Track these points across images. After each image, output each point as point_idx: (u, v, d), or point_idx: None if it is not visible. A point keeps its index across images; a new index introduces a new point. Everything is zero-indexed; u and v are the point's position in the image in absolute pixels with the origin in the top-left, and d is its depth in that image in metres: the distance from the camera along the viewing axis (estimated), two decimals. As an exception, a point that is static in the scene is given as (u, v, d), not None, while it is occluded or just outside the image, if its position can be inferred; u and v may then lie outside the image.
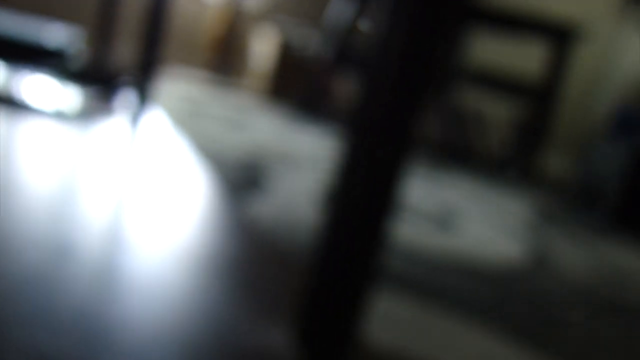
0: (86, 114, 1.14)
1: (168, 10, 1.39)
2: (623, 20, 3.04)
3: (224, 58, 3.78)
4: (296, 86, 3.46)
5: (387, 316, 0.88)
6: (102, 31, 1.70)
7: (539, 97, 2.93)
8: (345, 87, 3.26)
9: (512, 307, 1.08)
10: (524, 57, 3.32)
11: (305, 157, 2.08)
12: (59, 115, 1.09)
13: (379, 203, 0.57)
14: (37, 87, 1.22)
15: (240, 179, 1.51)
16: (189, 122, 2.19)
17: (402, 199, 1.77)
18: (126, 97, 1.34)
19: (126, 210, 0.76)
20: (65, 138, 0.99)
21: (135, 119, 1.22)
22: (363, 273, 0.56)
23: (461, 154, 2.97)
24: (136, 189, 0.85)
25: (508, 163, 2.97)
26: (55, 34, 1.72)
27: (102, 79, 1.32)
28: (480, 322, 0.96)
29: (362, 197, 0.56)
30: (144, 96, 1.34)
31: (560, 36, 2.90)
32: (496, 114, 3.29)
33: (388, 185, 0.57)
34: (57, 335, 0.45)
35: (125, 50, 1.60)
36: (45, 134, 0.99)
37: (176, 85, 3.19)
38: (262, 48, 3.67)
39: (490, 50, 3.55)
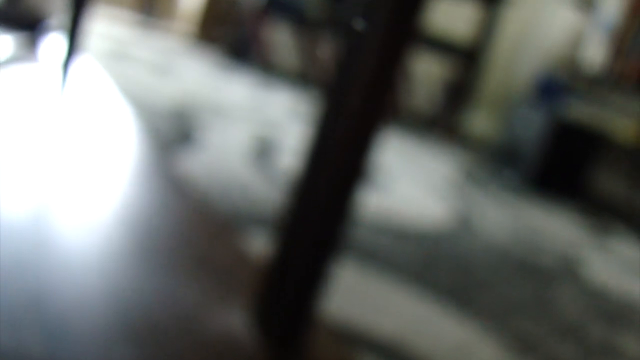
0: (10, 60, 1.06)
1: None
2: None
3: (150, -2, 3.61)
4: (225, 31, 3.36)
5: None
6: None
7: (467, 57, 2.99)
8: (275, 34, 3.20)
9: (439, 268, 1.12)
10: (453, 17, 3.36)
11: (235, 107, 2.04)
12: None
13: (346, 177, 0.56)
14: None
15: (170, 130, 1.46)
16: (114, 66, 2.09)
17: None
18: (52, 41, 1.25)
19: (54, 170, 0.72)
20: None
21: (62, 64, 1.14)
22: (325, 250, 0.56)
23: (389, 111, 3.00)
24: (65, 143, 0.80)
25: (435, 121, 3.04)
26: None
27: (25, 21, 1.23)
28: (411, 284, 0.99)
29: (331, 173, 0.56)
30: (72, 40, 1.26)
31: (491, -1, 2.95)
32: (425, 71, 3.34)
33: (354, 159, 0.56)
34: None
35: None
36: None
37: (102, 26, 3.02)
38: (192, -11, 3.52)
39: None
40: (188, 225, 0.71)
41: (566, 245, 1.64)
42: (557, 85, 2.61)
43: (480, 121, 3.31)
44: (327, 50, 3.03)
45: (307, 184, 0.56)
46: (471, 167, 2.41)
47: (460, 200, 1.77)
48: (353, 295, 0.87)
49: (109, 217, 0.64)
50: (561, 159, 2.36)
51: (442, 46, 3.06)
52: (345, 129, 0.55)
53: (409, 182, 1.78)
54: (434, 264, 1.14)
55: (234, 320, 0.54)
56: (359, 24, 0.55)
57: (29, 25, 1.24)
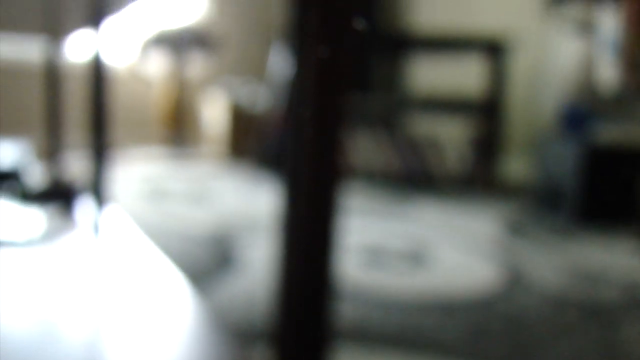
0: (48, 234, 1.15)
1: (109, 101, 1.43)
2: (549, 23, 3.18)
3: (176, 130, 3.82)
4: (252, 144, 3.51)
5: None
6: (51, 139, 1.72)
7: (485, 110, 3.02)
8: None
9: (491, 337, 1.11)
10: (463, 76, 3.43)
11: (273, 219, 2.11)
12: (21, 242, 1.10)
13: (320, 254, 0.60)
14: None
15: (209, 257, 1.53)
16: (151, 205, 2.21)
17: (373, 242, 1.81)
18: (84, 205, 1.36)
19: (102, 333, 0.77)
20: (29, 265, 1.00)
21: (96, 225, 1.24)
22: (317, 330, 0.59)
23: (423, 181, 3.03)
24: (108, 306, 0.86)
25: (470, 179, 3.04)
26: (6, 154, 1.74)
27: (59, 192, 1.35)
28: (461, 362, 0.99)
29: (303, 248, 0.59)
30: (100, 199, 1.36)
31: (492, 50, 3.01)
32: (449, 134, 3.38)
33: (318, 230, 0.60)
34: None
35: (76, 152, 1.63)
36: (9, 265, 1.00)
37: (134, 167, 3.20)
38: (213, 112, 3.72)
39: (431, 76, 3.66)
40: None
41: (630, 276, 1.59)
42: (580, 113, 2.60)
43: (515, 167, 3.29)
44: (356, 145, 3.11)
45: (283, 263, 0.60)
46: (513, 218, 2.38)
47: (507, 256, 1.75)
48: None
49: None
50: (604, 186, 2.31)
51: (459, 106, 3.12)
52: (303, 202, 0.59)
53: (452, 250, 1.78)
54: (485, 333, 1.13)
55: None
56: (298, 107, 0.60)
57: (64, 196, 1.35)
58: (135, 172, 3.03)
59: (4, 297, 0.87)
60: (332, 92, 0.60)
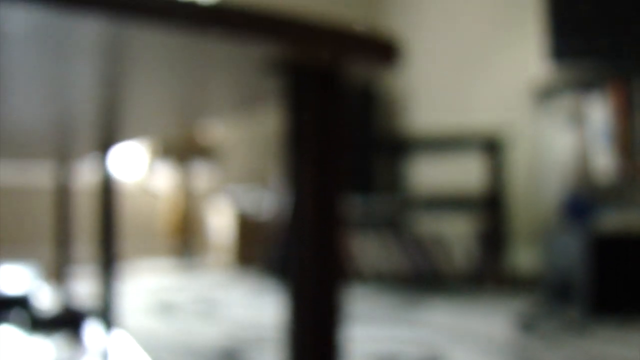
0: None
1: (117, 218, 1.47)
2: (542, 116, 3.28)
3: (183, 240, 3.85)
4: (259, 251, 3.53)
5: None
6: (60, 260, 1.75)
7: (488, 205, 3.05)
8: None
9: None
10: (463, 173, 3.50)
11: (280, 329, 2.09)
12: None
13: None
14: (1, 346, 1.24)
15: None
16: (159, 320, 2.19)
17: (385, 351, 1.78)
18: (93, 330, 1.36)
19: None
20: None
21: (105, 353, 1.23)
22: None
23: (431, 280, 3.02)
24: None
25: (478, 276, 3.03)
26: (13, 279, 1.76)
27: (67, 319, 1.36)
28: None
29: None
30: (109, 322, 1.37)
31: (489, 146, 3.09)
32: (453, 232, 3.40)
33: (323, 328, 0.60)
34: None
35: (85, 268, 1.65)
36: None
37: (142, 280, 3.20)
38: (219, 221, 3.77)
39: (432, 174, 3.73)
40: None
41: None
42: (581, 202, 2.63)
43: (522, 259, 3.28)
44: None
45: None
46: (524, 314, 2.35)
47: (521, 356, 1.72)
48: None
49: None
50: (613, 275, 2.30)
51: (462, 202, 3.16)
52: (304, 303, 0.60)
53: (466, 354, 1.75)
54: None
55: None
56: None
57: (73, 322, 1.36)
58: (143, 285, 3.03)
59: None
60: (329, 191, 0.63)
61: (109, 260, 1.47)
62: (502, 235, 3.06)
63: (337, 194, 0.64)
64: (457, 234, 3.23)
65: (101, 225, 1.45)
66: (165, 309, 2.45)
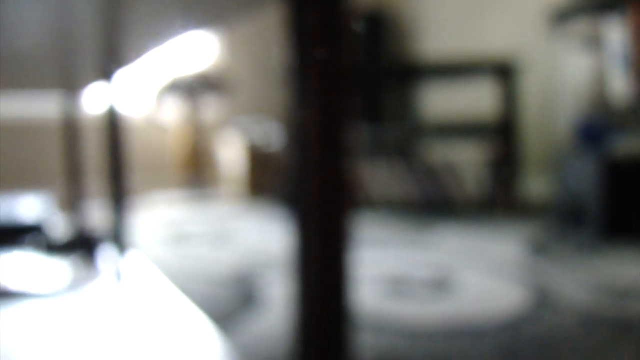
0: (72, 285, 1.17)
1: (125, 150, 1.46)
2: (557, 40, 3.19)
3: (194, 173, 3.86)
4: (270, 182, 3.53)
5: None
6: (72, 190, 1.76)
7: (500, 132, 3.01)
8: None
9: (519, 359, 1.10)
10: (475, 99, 3.44)
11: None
12: (46, 294, 1.12)
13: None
14: (18, 267, 1.26)
15: (233, 297, 1.53)
16: (174, 249, 2.22)
17: (395, 272, 1.80)
18: (106, 253, 1.38)
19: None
20: (56, 316, 1.01)
21: (118, 273, 1.25)
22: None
23: (442, 207, 3.02)
24: (135, 351, 0.87)
25: (490, 202, 3.02)
26: (28, 207, 1.77)
27: (81, 242, 1.37)
28: (491, 387, 0.97)
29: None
30: (122, 246, 1.38)
31: (502, 71, 3.02)
32: (465, 159, 3.37)
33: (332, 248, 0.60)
34: None
35: (97, 201, 1.66)
36: (36, 317, 1.01)
37: (154, 212, 3.23)
38: (229, 154, 3.76)
39: (443, 101, 3.67)
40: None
41: (657, 289, 1.56)
42: (596, 127, 2.59)
43: (534, 186, 3.27)
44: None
45: (300, 297, 0.60)
46: (536, 238, 2.36)
47: (532, 277, 1.73)
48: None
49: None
50: (626, 199, 2.28)
51: (474, 129, 3.12)
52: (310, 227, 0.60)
53: (476, 275, 1.76)
54: (515, 355, 1.11)
55: None
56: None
57: (86, 246, 1.38)
58: (155, 217, 3.06)
59: (34, 349, 0.88)
60: (334, 119, 0.61)
61: (119, 191, 1.47)
62: (514, 163, 3.04)
63: (343, 122, 0.61)
64: (468, 162, 3.21)
65: (110, 157, 1.44)
66: (178, 238, 2.48)
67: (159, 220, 2.98)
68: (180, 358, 0.84)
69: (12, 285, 1.14)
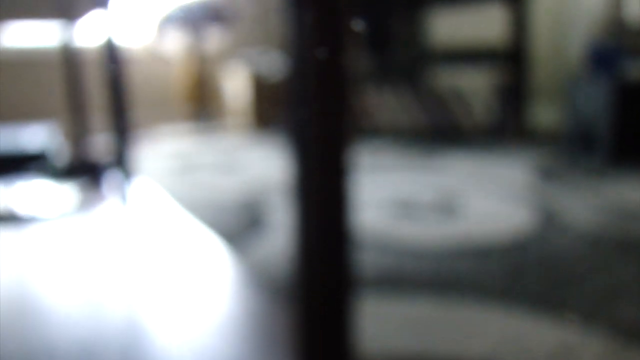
0: (78, 208, 1.17)
1: (124, 77, 1.44)
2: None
3: (199, 105, 3.83)
4: (275, 112, 3.50)
5: (404, 321, 0.90)
6: (75, 122, 1.74)
7: (510, 58, 2.95)
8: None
9: (527, 278, 1.10)
10: (484, 24, 3.34)
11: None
12: (53, 217, 1.12)
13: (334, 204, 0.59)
14: (25, 194, 1.26)
15: (241, 221, 1.54)
16: (182, 179, 2.22)
17: (402, 196, 1.80)
18: (112, 179, 1.37)
19: (143, 293, 0.78)
20: (64, 238, 1.02)
21: (125, 196, 1.25)
22: (341, 281, 0.59)
23: (451, 134, 2.99)
24: (147, 268, 0.87)
25: (499, 129, 2.99)
26: (33, 137, 1.76)
27: (86, 168, 1.37)
28: (496, 304, 0.98)
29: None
30: (127, 170, 1.37)
31: (513, -6, 2.92)
32: (473, 85, 3.31)
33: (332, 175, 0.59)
34: None
35: (101, 134, 1.65)
36: (45, 239, 1.02)
37: (160, 145, 3.23)
38: (234, 85, 3.71)
39: (452, 27, 3.58)
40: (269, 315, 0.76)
41: (666, 210, 1.55)
42: (609, 51, 2.52)
43: (544, 114, 3.22)
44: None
45: (300, 220, 0.60)
46: (545, 163, 2.34)
47: (540, 199, 1.72)
48: (434, 327, 0.87)
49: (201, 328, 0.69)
50: (637, 124, 2.24)
51: (482, 55, 3.05)
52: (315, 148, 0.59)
53: (484, 198, 1.76)
54: (521, 274, 1.11)
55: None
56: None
57: (91, 172, 1.37)
58: (161, 150, 3.05)
59: (43, 270, 0.89)
60: (332, 45, 0.58)
61: (122, 121, 1.46)
62: (523, 89, 2.98)
63: (341, 48, 0.59)
64: (477, 89, 3.16)
65: (110, 90, 1.42)
66: (185, 169, 2.47)
67: (165, 152, 2.98)
68: (193, 272, 0.84)
69: (20, 210, 1.15)
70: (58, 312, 0.76)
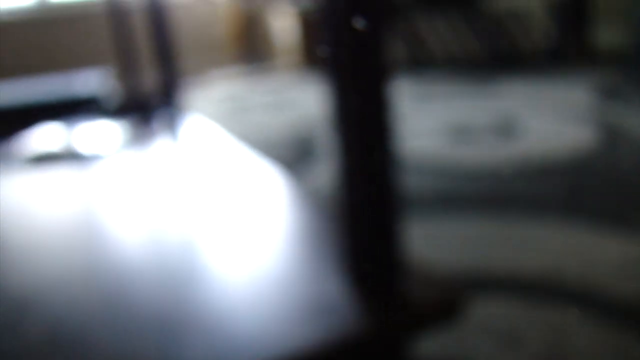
0: (136, 144, 1.19)
1: (169, 19, 1.43)
2: None
3: (248, 47, 3.81)
4: (324, 50, 3.44)
5: (461, 239, 0.88)
6: (126, 65, 1.76)
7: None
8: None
9: (587, 194, 1.06)
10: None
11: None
12: (112, 154, 1.15)
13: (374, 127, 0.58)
14: (83, 133, 1.29)
15: (293, 154, 1.54)
16: (235, 120, 2.23)
17: (459, 121, 1.74)
18: (165, 115, 1.39)
19: (207, 216, 0.80)
20: (120, 172, 1.04)
21: (179, 132, 1.26)
22: (386, 200, 0.58)
23: (508, 58, 2.87)
24: (207, 193, 0.88)
25: (558, 51, 2.85)
26: (86, 82, 1.79)
27: (139, 108, 1.38)
28: (557, 221, 0.95)
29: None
30: (179, 108, 1.38)
31: None
32: (532, 7, 3.15)
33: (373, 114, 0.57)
34: None
35: (152, 73, 1.67)
36: (107, 175, 1.04)
37: (214, 89, 3.24)
38: (282, 24, 3.66)
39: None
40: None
41: None
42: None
43: (607, 32, 3.04)
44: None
45: (344, 146, 0.58)
46: (607, 84, 2.22)
47: (603, 118, 1.64)
48: (491, 244, 0.85)
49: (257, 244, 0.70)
50: None
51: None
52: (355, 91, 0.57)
53: (544, 119, 1.69)
54: (583, 189, 1.07)
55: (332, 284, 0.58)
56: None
57: (141, 109, 1.39)
58: (212, 94, 3.07)
59: (104, 202, 0.91)
60: None
61: (171, 63, 1.46)
62: (584, 7, 2.81)
63: None
64: (535, 10, 3.00)
65: (157, 36, 1.42)
66: (237, 110, 2.48)
67: (216, 96, 2.99)
68: (254, 194, 0.85)
69: (80, 148, 1.17)
70: (119, 241, 0.78)
